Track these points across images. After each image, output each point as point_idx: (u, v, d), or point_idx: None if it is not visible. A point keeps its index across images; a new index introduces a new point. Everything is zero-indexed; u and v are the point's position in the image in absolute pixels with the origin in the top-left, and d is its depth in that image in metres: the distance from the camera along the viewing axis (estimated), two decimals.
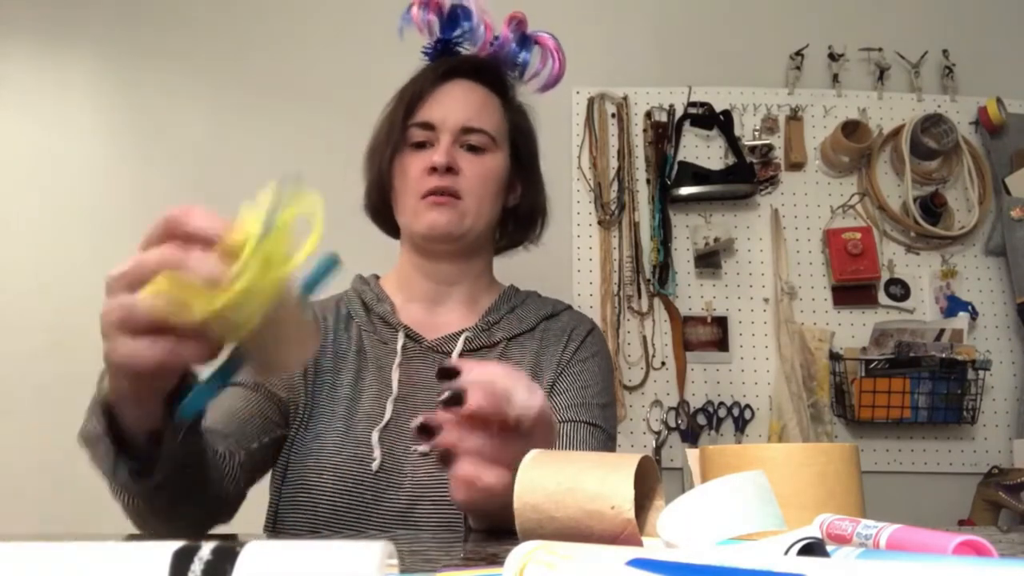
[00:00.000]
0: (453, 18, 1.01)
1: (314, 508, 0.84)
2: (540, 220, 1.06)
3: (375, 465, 0.84)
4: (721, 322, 1.80)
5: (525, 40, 1.02)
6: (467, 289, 0.99)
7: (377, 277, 1.03)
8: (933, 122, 1.86)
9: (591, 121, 1.88)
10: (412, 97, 0.95)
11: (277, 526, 0.87)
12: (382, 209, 1.01)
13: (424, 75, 0.97)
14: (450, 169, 0.91)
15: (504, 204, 1.01)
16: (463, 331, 0.94)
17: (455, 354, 0.91)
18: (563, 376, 0.93)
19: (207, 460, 0.66)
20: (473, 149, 0.94)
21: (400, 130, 0.95)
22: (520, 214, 1.03)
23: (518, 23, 1.02)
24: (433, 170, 0.91)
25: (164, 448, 0.57)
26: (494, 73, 1.00)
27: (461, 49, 1.03)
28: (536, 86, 1.04)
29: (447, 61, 0.99)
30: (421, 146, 0.94)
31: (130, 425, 0.57)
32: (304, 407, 0.90)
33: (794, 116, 1.89)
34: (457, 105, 0.94)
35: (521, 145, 1.01)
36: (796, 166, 1.88)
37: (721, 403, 1.76)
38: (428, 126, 0.94)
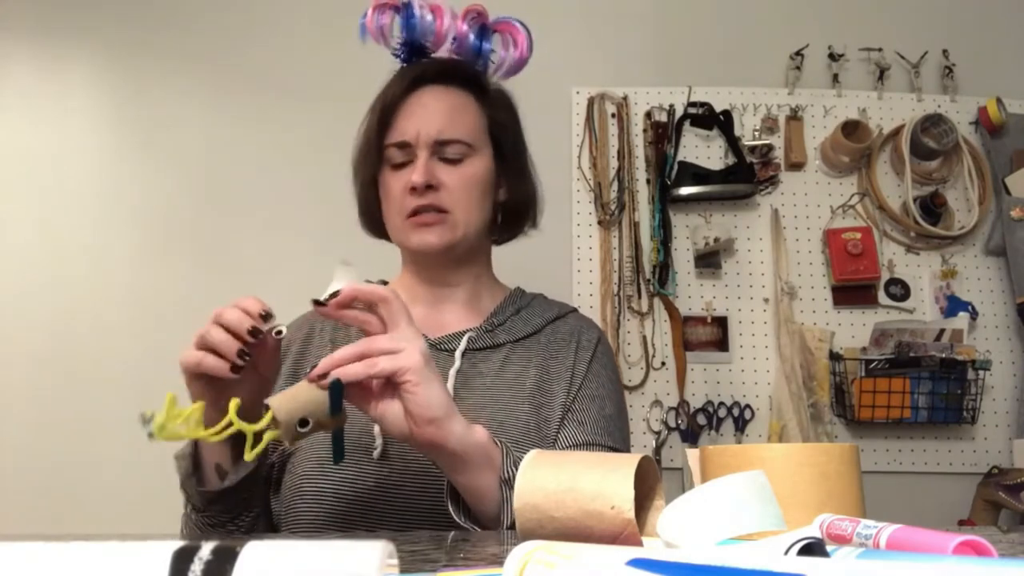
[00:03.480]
0: (406, 18, 0.98)
1: (318, 497, 0.85)
2: (532, 209, 1.04)
3: (376, 453, 0.85)
4: (721, 322, 1.80)
5: (484, 31, 1.00)
6: (468, 290, 1.00)
7: (385, 282, 1.03)
8: (933, 122, 1.86)
9: (591, 121, 1.88)
10: (383, 113, 0.94)
11: (282, 518, 0.88)
12: (372, 224, 1.02)
13: (391, 88, 0.96)
14: (431, 186, 0.91)
15: (495, 200, 1.00)
16: (467, 331, 0.95)
17: (458, 353, 0.91)
18: (582, 393, 0.92)
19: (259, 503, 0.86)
20: (451, 161, 0.93)
21: (376, 150, 0.94)
22: (511, 207, 1.02)
23: (475, 16, 0.99)
24: (413, 189, 0.90)
25: (234, 477, 0.77)
26: (462, 72, 0.98)
27: (428, 45, 1.00)
28: (502, 73, 1.02)
29: (414, 68, 0.98)
30: (401, 166, 0.93)
31: (205, 455, 0.78)
32: None
33: (794, 116, 1.89)
34: (428, 117, 0.93)
35: (503, 140, 0.99)
36: (796, 166, 1.88)
37: (721, 403, 1.76)
38: (403, 145, 0.93)
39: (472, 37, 0.99)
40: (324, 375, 0.66)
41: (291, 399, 0.65)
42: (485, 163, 0.96)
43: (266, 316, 0.70)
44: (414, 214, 0.92)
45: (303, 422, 0.65)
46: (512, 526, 0.70)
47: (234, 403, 0.65)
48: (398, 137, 0.93)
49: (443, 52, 1.01)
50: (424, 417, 0.67)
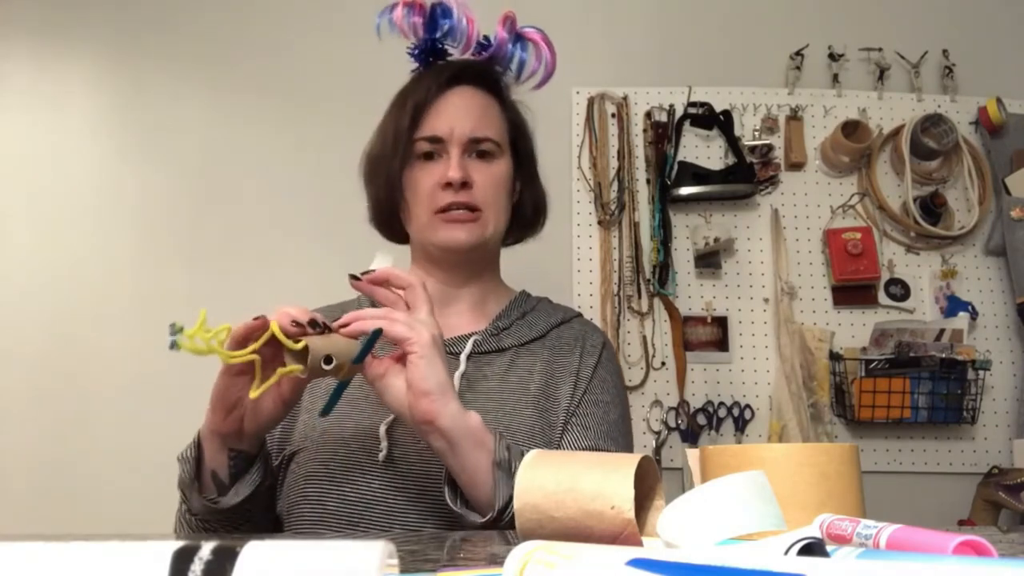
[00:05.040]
0: (433, 16, 1.00)
1: (321, 498, 0.85)
2: (542, 215, 1.07)
3: (382, 456, 0.85)
4: (721, 322, 1.80)
5: (519, 39, 1.02)
6: (476, 291, 1.00)
7: None
8: (933, 122, 1.86)
9: (591, 121, 1.88)
10: (416, 108, 0.94)
11: (285, 517, 0.88)
12: (390, 221, 1.01)
13: (426, 85, 0.96)
14: (465, 184, 0.92)
15: (511, 205, 1.02)
16: (472, 334, 0.95)
17: (463, 356, 0.92)
18: (587, 398, 0.93)
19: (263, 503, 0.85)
20: (482, 155, 0.95)
21: (407, 142, 0.94)
22: (523, 211, 1.04)
23: (512, 22, 1.01)
24: (447, 185, 0.91)
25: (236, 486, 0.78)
26: (491, 76, 1.00)
27: (447, 47, 1.02)
28: (534, 83, 1.04)
29: (448, 68, 0.99)
30: (429, 157, 0.94)
31: (205, 459, 0.78)
32: (295, 418, 0.92)
33: (794, 116, 1.89)
34: (462, 115, 0.94)
35: (520, 144, 1.02)
36: (796, 166, 1.88)
37: (721, 403, 1.76)
38: (435, 139, 0.94)
39: (510, 44, 1.01)
40: (349, 325, 0.73)
41: (325, 339, 0.71)
42: (509, 165, 0.98)
43: (328, 360, 0.71)
44: (445, 210, 0.92)
45: (328, 359, 0.70)
46: (504, 509, 0.71)
47: (275, 324, 0.69)
48: (430, 132, 0.94)
49: (465, 56, 1.03)
50: (421, 389, 0.71)
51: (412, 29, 1.00)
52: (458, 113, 0.94)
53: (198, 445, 0.78)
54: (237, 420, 0.74)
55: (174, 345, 0.63)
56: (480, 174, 0.94)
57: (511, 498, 0.72)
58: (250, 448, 0.78)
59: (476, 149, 0.94)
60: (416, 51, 1.02)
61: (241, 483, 0.78)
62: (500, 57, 1.01)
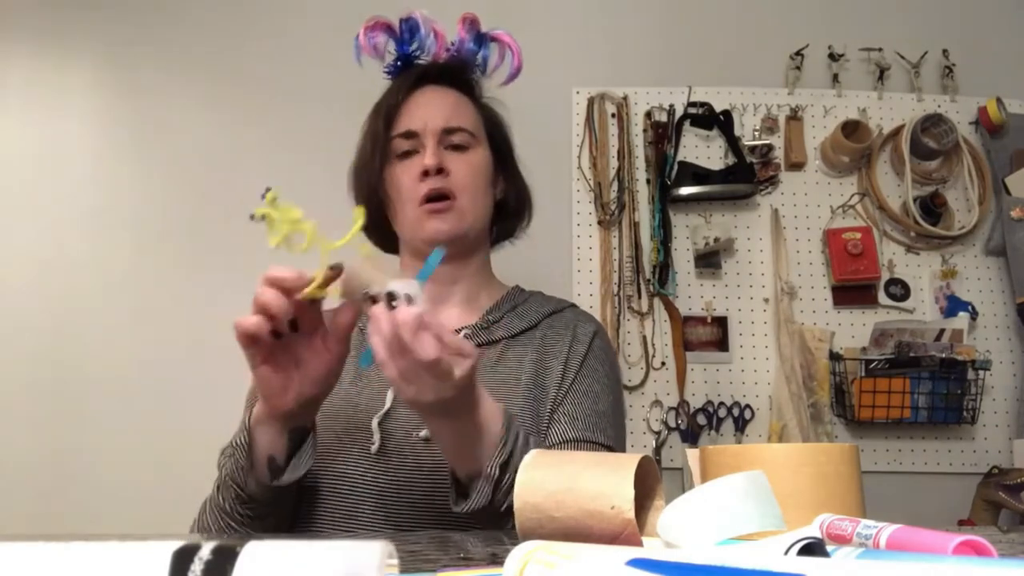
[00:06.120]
0: (401, 32, 1.04)
1: (314, 491, 0.86)
2: (528, 209, 1.08)
3: (374, 448, 0.86)
4: (721, 322, 1.80)
5: (481, 38, 1.05)
6: (467, 286, 1.01)
7: None
8: (933, 122, 1.86)
9: (591, 121, 1.88)
10: (389, 110, 0.98)
11: None
12: (378, 224, 1.02)
13: (396, 87, 1.00)
14: (441, 170, 0.93)
15: (493, 196, 1.03)
16: (463, 328, 0.95)
17: None
18: (575, 388, 0.93)
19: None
20: (457, 148, 0.97)
21: (384, 143, 0.97)
22: (508, 206, 1.06)
23: (471, 23, 1.04)
24: (425, 174, 0.93)
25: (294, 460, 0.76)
26: (460, 74, 1.03)
27: (420, 62, 1.05)
28: (499, 80, 1.07)
29: (416, 69, 1.02)
30: (407, 155, 0.97)
31: (259, 446, 0.75)
32: None
33: (794, 116, 1.89)
34: (433, 109, 0.97)
35: (498, 139, 1.04)
36: (796, 166, 1.88)
37: (721, 403, 1.76)
38: (410, 134, 0.96)
39: (470, 43, 1.04)
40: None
41: (370, 272, 0.70)
42: (486, 156, 1.00)
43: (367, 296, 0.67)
44: (427, 201, 0.94)
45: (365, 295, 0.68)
46: (501, 476, 0.70)
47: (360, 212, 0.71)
48: (404, 128, 0.96)
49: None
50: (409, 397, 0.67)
51: (375, 49, 1.04)
52: (429, 108, 0.97)
53: (249, 432, 0.75)
54: (296, 394, 0.72)
55: (256, 214, 0.63)
56: (456, 163, 0.96)
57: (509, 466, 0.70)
58: (308, 420, 0.76)
59: (451, 140, 0.97)
60: (392, 69, 1.05)
61: (298, 458, 0.76)
62: (463, 56, 1.04)
